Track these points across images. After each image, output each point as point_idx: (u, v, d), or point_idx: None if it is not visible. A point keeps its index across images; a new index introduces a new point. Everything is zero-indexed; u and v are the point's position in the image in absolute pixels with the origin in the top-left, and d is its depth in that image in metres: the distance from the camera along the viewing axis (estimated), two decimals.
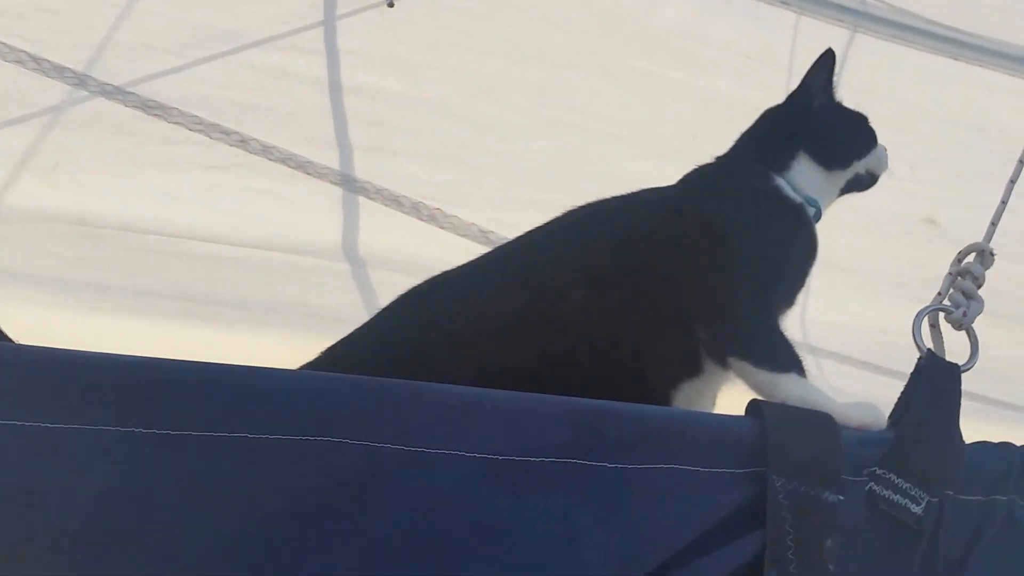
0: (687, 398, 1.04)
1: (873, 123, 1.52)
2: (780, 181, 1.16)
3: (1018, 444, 1.04)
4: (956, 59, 2.77)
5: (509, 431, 0.78)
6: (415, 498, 0.74)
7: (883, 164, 1.29)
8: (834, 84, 1.27)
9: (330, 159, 1.59)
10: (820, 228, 1.43)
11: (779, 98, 2.31)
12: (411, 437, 0.75)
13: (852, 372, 1.74)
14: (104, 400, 0.68)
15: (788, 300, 1.07)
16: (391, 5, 1.58)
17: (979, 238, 1.35)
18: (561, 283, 1.01)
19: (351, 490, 0.72)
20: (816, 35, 2.60)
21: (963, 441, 0.98)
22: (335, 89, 1.65)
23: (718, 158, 1.28)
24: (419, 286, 1.06)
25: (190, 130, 1.51)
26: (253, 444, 0.72)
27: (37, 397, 0.68)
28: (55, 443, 0.67)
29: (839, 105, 1.29)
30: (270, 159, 1.52)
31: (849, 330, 1.61)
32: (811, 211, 1.16)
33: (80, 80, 1.37)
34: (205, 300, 1.40)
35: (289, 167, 1.53)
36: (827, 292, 2.02)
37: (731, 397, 1.06)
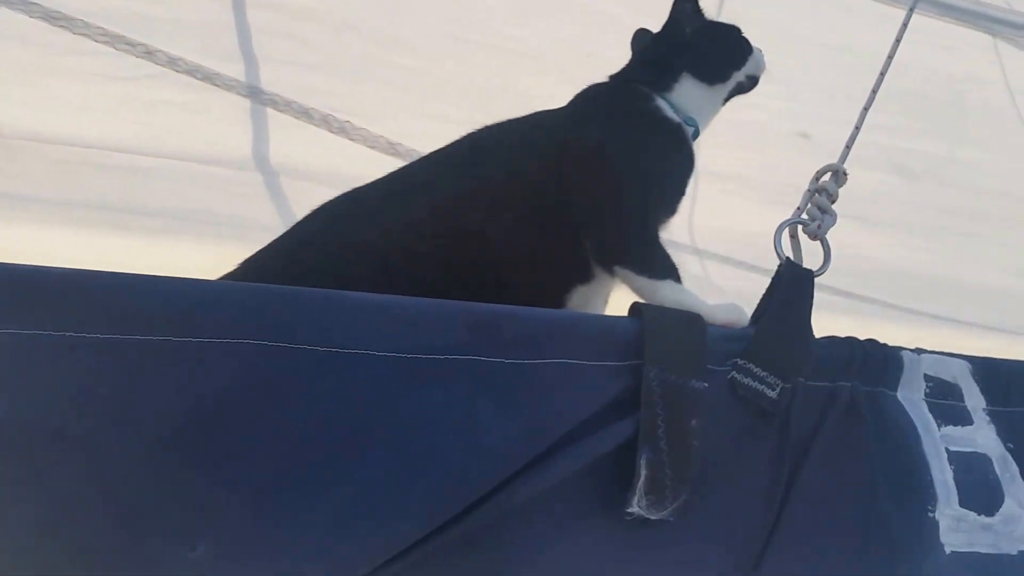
0: (580, 302, 1.14)
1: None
2: (661, 102, 1.25)
3: (862, 338, 1.19)
4: None
5: (414, 332, 0.87)
6: (329, 393, 0.81)
7: (761, 66, 1.39)
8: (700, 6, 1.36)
9: (237, 71, 1.59)
10: (709, 141, 1.55)
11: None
12: (325, 339, 0.82)
13: (732, 271, 1.88)
14: (39, 308, 0.72)
15: (667, 212, 1.18)
16: None
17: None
18: (462, 200, 1.09)
19: (270, 388, 0.79)
20: None
21: (813, 335, 1.12)
22: (238, 1, 1.64)
23: (610, 77, 1.36)
24: (332, 200, 1.11)
25: (96, 41, 1.48)
26: (177, 347, 0.78)
27: None
28: None
29: (711, 23, 1.38)
30: (177, 71, 1.51)
31: (731, 233, 1.73)
32: (689, 130, 1.25)
33: None
34: (123, 210, 1.41)
35: (196, 79, 1.53)
36: (713, 200, 2.17)
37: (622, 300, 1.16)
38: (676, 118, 1.24)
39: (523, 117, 1.22)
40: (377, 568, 0.79)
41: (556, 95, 2.11)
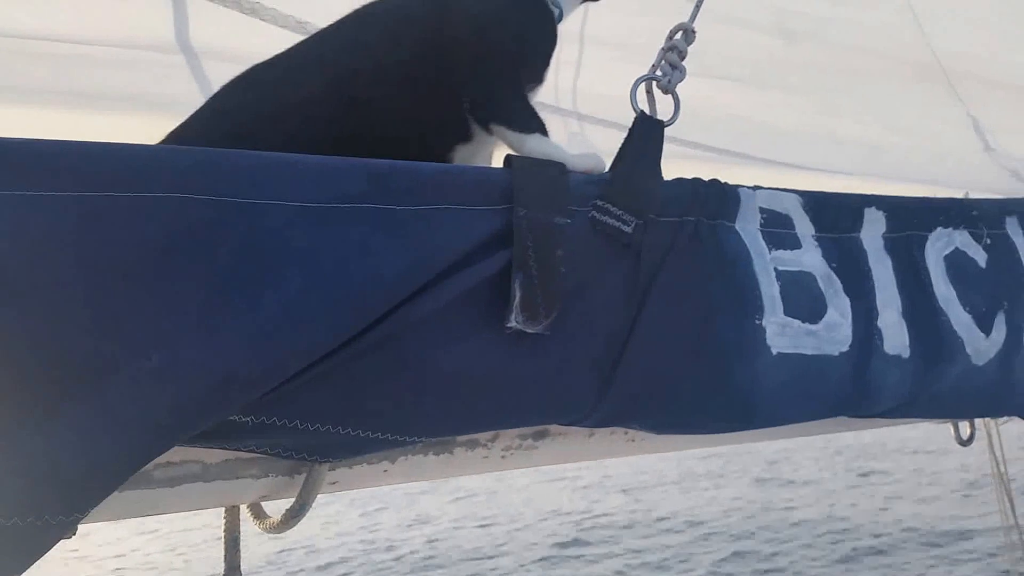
0: (463, 159, 1.32)
1: None
2: None
3: (706, 179, 1.39)
4: None
5: (319, 185, 1.04)
6: (246, 236, 0.99)
7: None
8: None
9: None
10: (597, 10, 1.68)
11: None
12: (242, 192, 0.99)
13: (609, 132, 2.06)
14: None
15: (534, 79, 1.34)
16: None
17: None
18: (352, 70, 1.24)
19: (202, 230, 0.96)
20: None
21: (663, 178, 1.33)
22: None
23: None
24: (241, 75, 1.26)
25: None
26: (122, 200, 0.95)
27: None
28: None
29: None
30: None
31: (608, 98, 1.88)
32: (555, 12, 1.40)
33: None
34: (63, 92, 1.50)
35: None
36: (599, 67, 2.32)
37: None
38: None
39: None
40: (298, 373, 0.99)
41: None
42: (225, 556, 1.33)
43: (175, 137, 1.20)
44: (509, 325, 1.14)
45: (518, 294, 1.14)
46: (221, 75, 1.33)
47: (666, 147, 1.33)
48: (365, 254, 1.04)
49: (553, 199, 1.17)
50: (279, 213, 1.00)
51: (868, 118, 2.76)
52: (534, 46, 1.33)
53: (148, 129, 1.21)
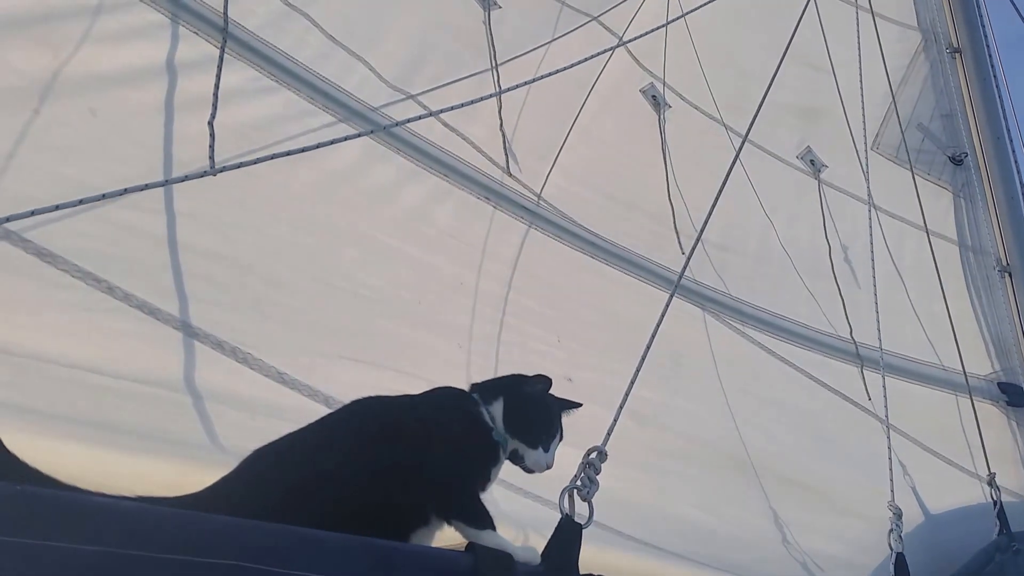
0: (419, 538, 1.60)
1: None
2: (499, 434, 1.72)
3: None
4: (592, 257, 3.67)
5: (338, 561, 1.29)
6: None
7: (541, 464, 1.72)
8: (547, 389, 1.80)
9: (172, 308, 1.92)
10: None
11: (473, 273, 3.02)
12: (284, 562, 1.22)
13: (517, 497, 2.35)
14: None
15: (481, 488, 1.67)
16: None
17: (601, 393, 2.01)
18: (344, 460, 1.54)
19: None
20: (506, 226, 3.36)
21: (579, 570, 1.64)
22: (172, 245, 2.01)
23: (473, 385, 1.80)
24: (265, 448, 1.52)
25: (72, 277, 1.76)
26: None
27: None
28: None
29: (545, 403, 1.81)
30: (130, 305, 1.82)
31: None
32: (500, 441, 1.71)
33: None
34: (94, 425, 1.63)
35: (144, 313, 1.83)
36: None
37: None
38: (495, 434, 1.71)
39: (395, 398, 1.70)
40: None
41: (398, 334, 2.60)
42: None
43: (210, 493, 1.42)
44: None
45: None
46: (219, 416, 1.57)
47: None
48: None
49: None
50: None
51: (693, 500, 3.24)
52: (482, 465, 1.67)
53: (165, 471, 1.43)
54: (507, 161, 3.50)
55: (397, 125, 2.60)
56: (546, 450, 1.73)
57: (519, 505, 2.21)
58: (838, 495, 3.67)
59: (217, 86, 2.25)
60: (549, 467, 1.74)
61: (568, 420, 1.84)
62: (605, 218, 3.76)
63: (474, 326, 2.88)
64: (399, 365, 2.47)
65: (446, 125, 3.28)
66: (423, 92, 3.28)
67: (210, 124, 2.19)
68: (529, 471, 1.75)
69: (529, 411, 1.75)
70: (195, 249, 2.12)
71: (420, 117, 2.76)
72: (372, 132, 2.61)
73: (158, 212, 2.08)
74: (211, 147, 2.06)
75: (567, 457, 1.76)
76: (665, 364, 3.62)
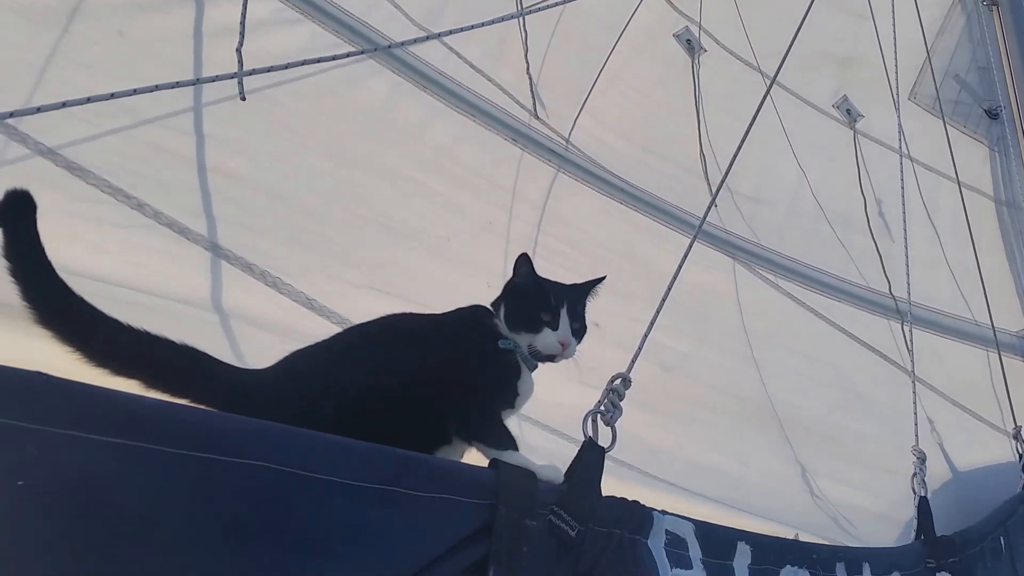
0: (444, 454, 1.59)
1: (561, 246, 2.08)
2: (504, 341, 1.70)
3: (629, 497, 1.71)
4: (621, 203, 3.63)
5: (362, 466, 1.28)
6: (310, 508, 1.20)
7: (550, 348, 1.67)
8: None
9: (200, 227, 1.92)
10: None
11: (502, 214, 2.99)
12: (305, 465, 1.22)
13: (544, 434, 2.36)
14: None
15: (505, 405, 1.66)
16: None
17: (625, 339, 2.00)
18: (373, 368, 1.53)
19: (266, 499, 1.17)
20: (533, 168, 3.33)
21: (601, 494, 1.63)
22: (201, 168, 2.00)
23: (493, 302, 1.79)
24: (301, 351, 1.55)
25: (103, 192, 1.76)
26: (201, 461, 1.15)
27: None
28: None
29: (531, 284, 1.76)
30: (160, 223, 1.82)
31: (544, 404, 2.19)
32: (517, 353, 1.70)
33: (21, 137, 1.57)
34: None
35: (173, 231, 1.83)
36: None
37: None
38: (511, 346, 1.69)
39: (422, 316, 1.68)
40: None
41: (422, 269, 2.60)
42: None
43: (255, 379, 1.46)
44: None
45: None
46: (245, 336, 1.57)
47: None
48: (391, 535, 1.26)
49: (526, 503, 1.44)
50: (333, 488, 1.22)
51: (721, 448, 3.23)
52: (503, 384, 1.65)
53: None
54: (534, 104, 3.45)
55: (401, 46, 2.55)
56: (554, 328, 1.67)
57: (543, 439, 2.21)
58: (867, 450, 3.64)
59: (244, 13, 2.23)
60: (566, 347, 1.67)
61: (593, 363, 1.80)
62: (635, 165, 3.71)
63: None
64: (426, 300, 2.46)
65: (473, 67, 3.24)
66: (448, 33, 3.23)
67: (238, 51, 2.17)
68: (551, 358, 1.69)
69: (519, 298, 1.73)
70: (226, 172, 2.11)
71: (418, 40, 2.69)
72: (376, 50, 2.56)
73: (187, 134, 2.07)
74: (239, 70, 2.04)
75: (591, 395, 1.73)
76: (693, 315, 3.59)
